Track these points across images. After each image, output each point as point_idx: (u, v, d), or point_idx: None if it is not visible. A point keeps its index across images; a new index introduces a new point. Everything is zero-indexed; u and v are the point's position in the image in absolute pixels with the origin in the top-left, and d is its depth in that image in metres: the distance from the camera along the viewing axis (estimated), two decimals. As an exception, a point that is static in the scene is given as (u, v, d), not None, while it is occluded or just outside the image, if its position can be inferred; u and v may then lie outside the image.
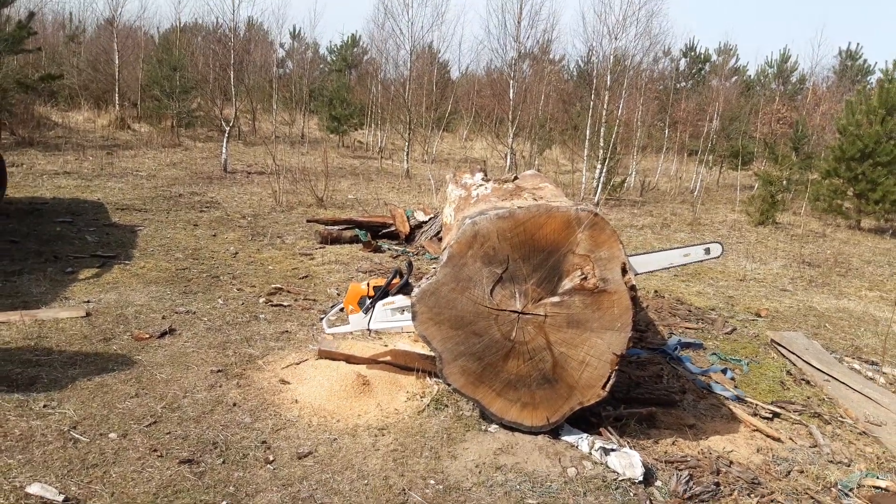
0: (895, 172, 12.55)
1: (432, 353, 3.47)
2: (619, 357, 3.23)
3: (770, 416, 4.06)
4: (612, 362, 3.23)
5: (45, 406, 3.30)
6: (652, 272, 4.37)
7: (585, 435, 3.38)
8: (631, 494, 2.98)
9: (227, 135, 13.33)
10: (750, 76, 30.59)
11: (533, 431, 3.37)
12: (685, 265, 4.66)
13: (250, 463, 2.99)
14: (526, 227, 3.16)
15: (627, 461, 3.13)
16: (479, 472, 3.06)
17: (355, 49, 31.30)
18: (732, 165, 19.62)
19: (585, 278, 3.18)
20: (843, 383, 4.65)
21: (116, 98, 18.69)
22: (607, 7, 13.71)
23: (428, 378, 3.93)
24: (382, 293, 3.80)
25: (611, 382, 3.26)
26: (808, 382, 4.73)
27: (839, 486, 3.26)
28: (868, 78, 27.12)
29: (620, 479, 3.07)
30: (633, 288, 3.21)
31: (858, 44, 30.71)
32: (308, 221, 8.52)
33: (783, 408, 4.18)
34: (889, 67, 13.48)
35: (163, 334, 4.38)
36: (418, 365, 3.97)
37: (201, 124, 19.01)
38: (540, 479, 3.04)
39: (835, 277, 8.54)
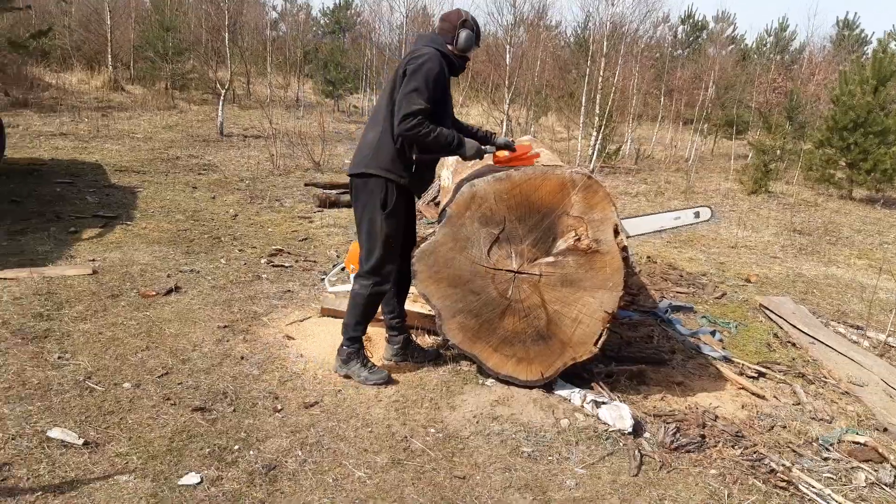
0: (886, 142, 12.65)
1: (430, 312, 3.61)
2: (610, 315, 3.37)
3: (756, 375, 4.21)
4: (604, 320, 3.37)
5: (59, 357, 3.43)
6: (643, 234, 4.50)
7: (578, 389, 3.53)
8: (621, 444, 3.14)
9: (222, 98, 13.29)
10: (747, 45, 30.49)
11: (528, 385, 3.52)
12: (676, 228, 4.78)
13: (259, 411, 3.13)
14: (522, 189, 3.26)
15: (618, 413, 3.29)
16: (477, 422, 3.22)
17: (348, 11, 30.91)
18: (727, 134, 19.65)
19: (579, 239, 3.29)
20: (828, 346, 4.80)
21: (109, 59, 18.48)
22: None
23: (426, 336, 4.07)
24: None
25: (602, 339, 3.40)
26: (793, 345, 4.88)
27: (820, 441, 3.41)
28: (864, 48, 27.05)
29: (611, 430, 3.23)
30: (624, 249, 3.34)
31: (856, 13, 30.55)
32: (306, 185, 8.59)
33: (769, 368, 4.34)
34: (884, 38, 13.47)
35: (168, 292, 4.49)
36: (417, 323, 4.10)
37: (196, 87, 18.85)
38: (534, 430, 3.19)
39: (825, 246, 8.70)
